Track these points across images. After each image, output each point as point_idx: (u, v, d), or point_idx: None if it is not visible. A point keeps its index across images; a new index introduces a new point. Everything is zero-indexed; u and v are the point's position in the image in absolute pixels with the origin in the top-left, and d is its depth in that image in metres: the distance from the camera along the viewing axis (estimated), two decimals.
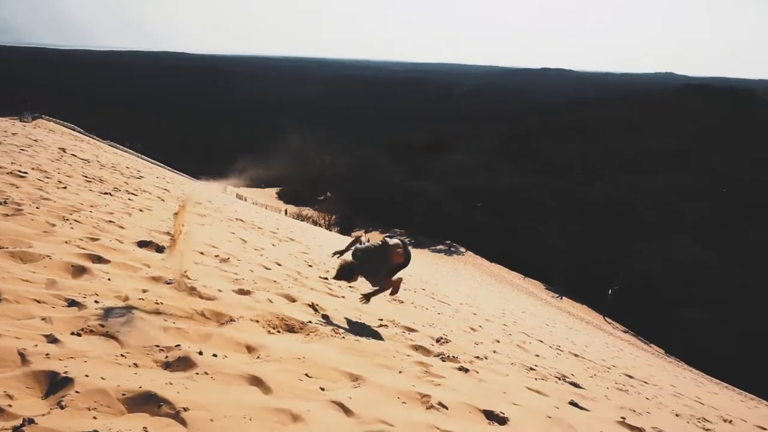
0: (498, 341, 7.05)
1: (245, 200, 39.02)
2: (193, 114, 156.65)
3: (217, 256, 6.21)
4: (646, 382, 9.37)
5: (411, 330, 5.64)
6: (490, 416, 3.42)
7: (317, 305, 5.22)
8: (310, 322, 4.39)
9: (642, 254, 59.05)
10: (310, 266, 8.43)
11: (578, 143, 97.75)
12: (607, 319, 52.44)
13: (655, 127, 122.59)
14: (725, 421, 7.63)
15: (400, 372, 3.79)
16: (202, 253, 6.04)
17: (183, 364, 2.84)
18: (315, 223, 55.89)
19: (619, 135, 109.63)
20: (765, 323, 50.69)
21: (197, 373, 2.77)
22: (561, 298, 52.60)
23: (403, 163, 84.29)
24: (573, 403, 4.66)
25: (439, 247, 61.23)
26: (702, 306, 52.30)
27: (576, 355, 9.60)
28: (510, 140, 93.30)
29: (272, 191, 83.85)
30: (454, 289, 17.95)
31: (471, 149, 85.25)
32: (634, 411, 5.36)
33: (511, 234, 64.77)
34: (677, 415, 6.28)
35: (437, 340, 5.38)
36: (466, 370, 4.44)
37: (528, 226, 65.42)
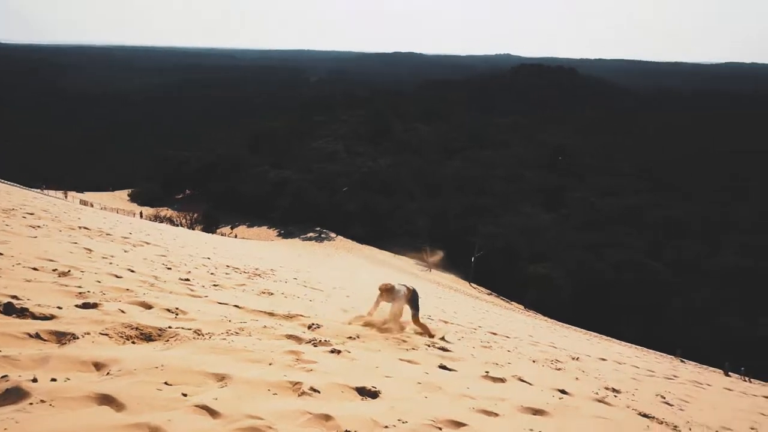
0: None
1: (91, 206, 35.34)
2: (10, 110, 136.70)
3: (55, 270, 5.52)
4: (507, 337, 10.25)
5: (284, 318, 5.55)
6: (362, 392, 3.49)
7: (178, 309, 4.90)
8: (169, 327, 4.10)
9: (496, 221, 64.20)
10: (169, 269, 7.89)
11: (432, 123, 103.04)
12: (473, 284, 56.42)
13: (498, 104, 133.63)
14: (573, 359, 8.63)
15: (270, 364, 3.71)
16: (35, 269, 5.34)
17: (12, 396, 2.48)
18: (174, 223, 52.41)
19: (467, 113, 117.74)
20: (594, 272, 58.42)
21: (31, 403, 2.43)
22: (430, 271, 55.42)
23: (263, 153, 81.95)
24: (442, 367, 4.94)
25: (309, 234, 61.02)
26: (547, 262, 58.49)
27: (446, 322, 10.19)
28: (367, 124, 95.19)
29: (123, 193, 76.83)
30: (326, 275, 18.01)
31: (330, 135, 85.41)
32: (497, 364, 5.83)
33: (378, 215, 66.57)
34: (534, 361, 6.95)
35: (309, 327, 5.35)
36: (339, 352, 4.48)
37: (392, 206, 67.67)
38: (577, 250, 62.35)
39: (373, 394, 3.48)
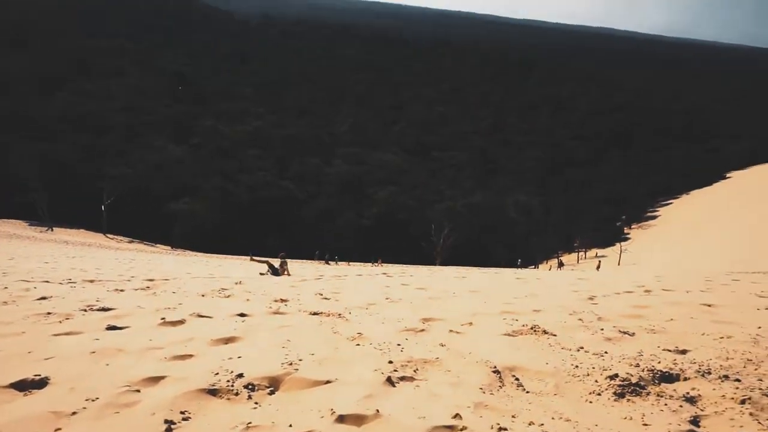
0: (3, 302, 5.78)
1: None
2: None
3: None
4: (167, 279, 9.82)
5: None
6: (23, 386, 2.82)
7: None
8: None
9: (124, 160, 58.66)
10: None
11: (18, 50, 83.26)
12: (108, 235, 51.20)
13: (98, 25, 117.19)
14: (237, 283, 8.98)
15: None
16: None
17: None
18: None
19: (70, 33, 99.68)
20: (232, 198, 61.05)
21: None
22: (52, 230, 47.45)
23: None
24: (111, 327, 4.41)
25: None
26: (186, 196, 57.55)
27: (92, 281, 9.02)
28: None
29: None
30: None
31: None
32: (169, 308, 5.56)
33: None
34: (203, 295, 6.91)
35: None
36: None
37: None
38: (214, 179, 63.14)
39: (40, 384, 2.85)
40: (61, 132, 61.38)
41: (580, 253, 65.81)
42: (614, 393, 2.94)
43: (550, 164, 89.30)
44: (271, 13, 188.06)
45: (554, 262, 54.36)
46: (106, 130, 65.82)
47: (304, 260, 39.92)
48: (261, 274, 12.83)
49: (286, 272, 13.38)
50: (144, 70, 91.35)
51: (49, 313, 4.99)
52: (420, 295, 7.44)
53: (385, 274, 14.21)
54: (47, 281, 8.75)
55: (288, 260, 14.54)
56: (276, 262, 13.79)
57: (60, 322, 4.65)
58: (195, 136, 73.16)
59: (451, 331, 4.60)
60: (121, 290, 7.34)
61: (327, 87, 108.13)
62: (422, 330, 4.59)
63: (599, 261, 49.19)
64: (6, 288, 7.26)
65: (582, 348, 3.97)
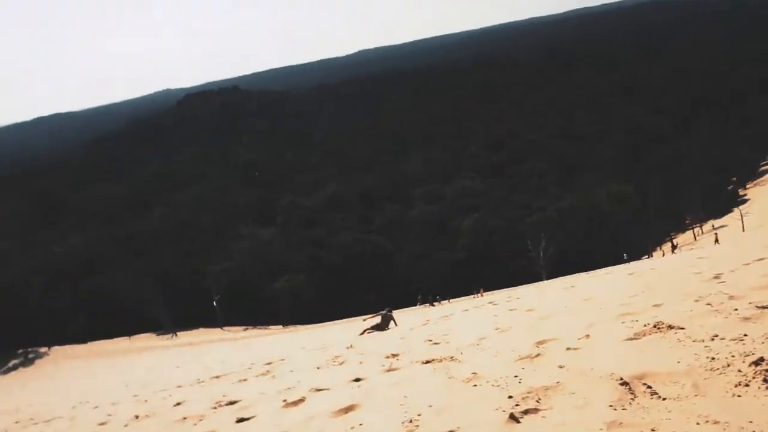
0: (145, 416, 6.30)
1: None
2: None
3: None
4: (283, 359, 10.19)
5: None
6: None
7: None
8: None
9: (222, 254, 62.42)
10: None
11: (113, 180, 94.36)
12: (225, 328, 54.08)
13: (175, 140, 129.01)
14: (348, 348, 9.12)
15: None
16: None
17: None
18: None
19: (148, 159, 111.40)
20: (328, 263, 62.64)
21: None
22: (176, 335, 51.07)
23: None
24: (240, 419, 4.64)
25: (11, 363, 48.87)
26: (285, 274, 59.70)
27: (218, 377, 9.55)
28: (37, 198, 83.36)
29: None
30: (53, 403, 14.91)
31: None
32: (289, 389, 5.75)
33: (94, 303, 57.26)
34: (318, 368, 7.06)
35: None
36: None
37: (102, 284, 59.20)
38: (305, 249, 65.44)
39: None
40: (162, 245, 67.13)
41: (695, 230, 60.45)
42: (764, 380, 2.64)
43: (634, 147, 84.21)
44: (324, 81, 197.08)
45: (667, 246, 50.32)
46: (200, 231, 71.12)
47: (407, 308, 39.84)
48: (369, 332, 13.08)
49: (393, 324, 13.50)
50: (221, 168, 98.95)
51: (184, 418, 5.34)
52: (530, 318, 7.16)
53: (491, 302, 13.84)
54: (180, 386, 9.38)
55: (393, 311, 14.75)
56: (379, 318, 14.00)
57: (195, 424, 4.96)
58: (278, 215, 76.87)
59: (568, 348, 4.37)
60: (244, 379, 7.70)
61: (387, 134, 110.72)
62: (538, 355, 4.40)
63: (715, 233, 44.81)
64: (146, 401, 7.87)
65: (716, 336, 3.61)
